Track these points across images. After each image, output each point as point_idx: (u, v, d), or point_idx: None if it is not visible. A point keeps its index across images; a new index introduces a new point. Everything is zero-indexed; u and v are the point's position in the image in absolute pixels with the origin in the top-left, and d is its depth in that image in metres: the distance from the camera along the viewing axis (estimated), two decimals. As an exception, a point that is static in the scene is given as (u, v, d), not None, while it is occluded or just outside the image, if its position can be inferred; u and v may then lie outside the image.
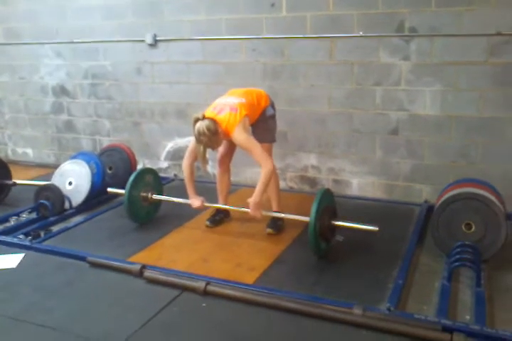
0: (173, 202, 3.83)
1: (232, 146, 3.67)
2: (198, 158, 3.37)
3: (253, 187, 3.45)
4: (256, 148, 3.28)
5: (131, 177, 3.75)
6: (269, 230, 3.61)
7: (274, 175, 3.59)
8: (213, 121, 3.22)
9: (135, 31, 4.89)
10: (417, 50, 3.89)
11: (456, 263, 2.86)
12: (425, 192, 4.19)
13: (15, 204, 4.44)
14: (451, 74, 3.84)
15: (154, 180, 3.96)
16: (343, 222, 3.25)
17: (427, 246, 3.41)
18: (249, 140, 3.30)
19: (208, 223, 3.77)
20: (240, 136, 3.26)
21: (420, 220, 3.77)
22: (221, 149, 3.68)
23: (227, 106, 3.34)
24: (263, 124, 3.54)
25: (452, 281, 2.88)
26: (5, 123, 6.07)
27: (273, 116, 3.63)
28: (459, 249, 2.98)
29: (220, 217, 3.81)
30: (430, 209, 3.82)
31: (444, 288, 2.80)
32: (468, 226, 3.13)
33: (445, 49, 3.81)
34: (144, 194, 3.82)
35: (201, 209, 3.69)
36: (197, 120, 3.22)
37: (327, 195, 3.30)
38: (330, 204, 3.32)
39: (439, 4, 3.72)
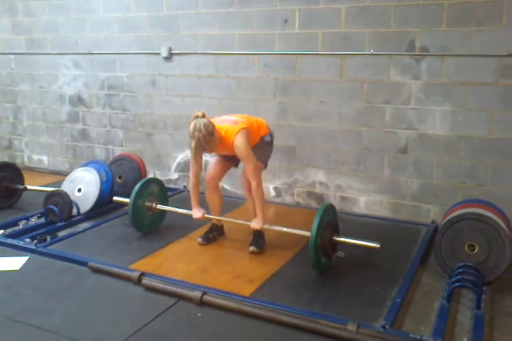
0: (176, 212, 3.86)
1: (223, 168, 3.67)
2: (191, 158, 3.41)
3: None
4: (252, 160, 3.34)
5: (136, 187, 3.80)
6: (252, 248, 3.54)
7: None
8: (212, 123, 3.27)
9: (151, 44, 5.01)
10: (427, 70, 3.90)
11: (457, 284, 2.81)
12: (433, 213, 4.15)
13: (25, 208, 4.53)
14: (461, 94, 3.84)
15: (160, 190, 4.00)
16: (344, 237, 3.24)
17: (430, 266, 3.37)
18: (250, 151, 3.34)
19: (200, 240, 3.71)
20: (242, 144, 3.29)
21: (425, 240, 3.73)
22: (211, 171, 3.66)
23: (227, 120, 3.42)
24: (259, 146, 3.55)
25: (452, 302, 2.83)
26: (23, 130, 6.21)
27: (270, 143, 3.66)
28: (460, 270, 2.93)
29: (213, 235, 3.76)
30: (437, 229, 3.77)
31: (443, 308, 2.75)
32: (472, 247, 3.09)
33: (456, 69, 3.81)
34: (149, 204, 3.86)
35: (202, 220, 3.69)
36: (196, 117, 3.26)
37: (330, 211, 3.29)
38: (332, 219, 3.31)
39: (450, 24, 3.74)
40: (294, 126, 4.51)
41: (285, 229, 3.45)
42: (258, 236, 3.60)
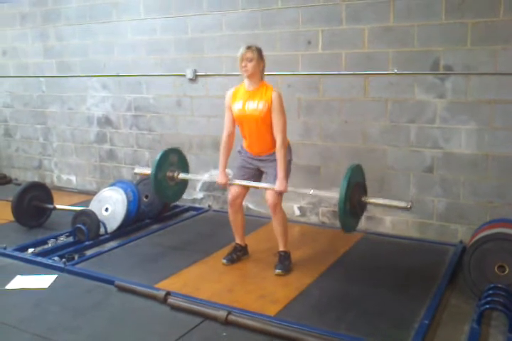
0: (197, 180, 4.06)
1: (244, 187, 3.65)
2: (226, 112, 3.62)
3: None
4: (284, 116, 3.42)
5: (156, 158, 3.79)
6: (278, 271, 3.50)
7: (283, 215, 3.55)
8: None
9: (176, 66, 5.13)
10: (452, 88, 3.89)
11: (487, 306, 2.75)
12: (461, 232, 4.08)
13: (54, 227, 4.62)
14: (486, 113, 3.81)
15: (179, 159, 3.98)
16: (373, 198, 3.25)
17: (459, 287, 3.31)
18: (283, 106, 3.41)
19: (224, 261, 3.68)
20: (279, 98, 3.40)
21: (453, 261, 3.66)
22: (233, 190, 3.64)
23: None
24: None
25: (483, 325, 2.77)
26: (52, 151, 6.38)
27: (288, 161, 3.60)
28: (490, 292, 2.87)
29: (237, 255, 3.74)
30: (465, 250, 3.70)
31: (473, 331, 2.69)
32: (502, 268, 3.03)
33: (481, 87, 3.79)
34: (170, 174, 3.87)
35: (225, 186, 3.69)
36: None
37: (357, 172, 3.28)
38: (360, 181, 3.30)
39: (475, 43, 3.74)
40: (317, 145, 4.52)
41: (311, 192, 3.48)
42: (284, 257, 3.58)
